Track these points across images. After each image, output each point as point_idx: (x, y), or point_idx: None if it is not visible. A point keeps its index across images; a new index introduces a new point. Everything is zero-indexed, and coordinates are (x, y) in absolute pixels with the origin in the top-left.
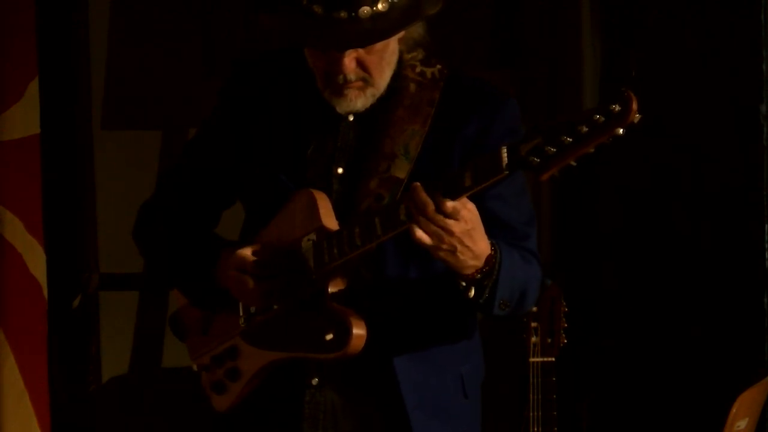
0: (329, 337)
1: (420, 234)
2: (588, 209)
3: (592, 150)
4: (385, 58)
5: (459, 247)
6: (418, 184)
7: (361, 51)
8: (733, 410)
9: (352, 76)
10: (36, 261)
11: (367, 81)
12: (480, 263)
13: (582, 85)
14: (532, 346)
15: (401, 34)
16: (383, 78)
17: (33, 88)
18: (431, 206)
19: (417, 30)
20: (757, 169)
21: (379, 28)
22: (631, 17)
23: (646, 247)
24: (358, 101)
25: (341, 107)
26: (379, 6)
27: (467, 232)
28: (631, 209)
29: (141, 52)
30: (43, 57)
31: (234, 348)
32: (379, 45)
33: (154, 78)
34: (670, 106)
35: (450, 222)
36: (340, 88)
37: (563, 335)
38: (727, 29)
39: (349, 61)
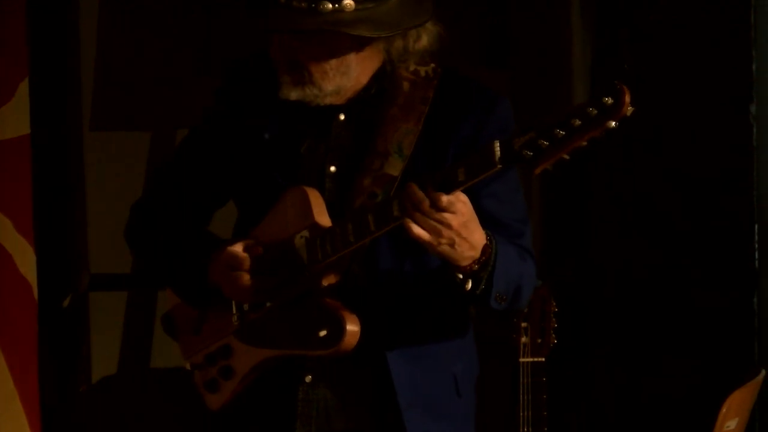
0: (323, 333)
1: (418, 231)
2: (578, 209)
3: (585, 143)
4: (329, 63)
5: (457, 239)
6: (413, 183)
7: (300, 47)
8: (723, 410)
9: (284, 64)
10: (26, 261)
11: (305, 76)
12: (477, 254)
13: (572, 84)
14: (522, 346)
15: (379, 44)
16: (328, 82)
17: (23, 88)
18: (426, 202)
19: (410, 41)
20: (747, 169)
21: (326, 24)
22: (621, 17)
23: (635, 246)
24: (292, 92)
25: (280, 92)
26: (345, 2)
27: (464, 223)
28: (620, 208)
29: (131, 54)
30: (34, 57)
31: (227, 346)
32: (322, 48)
33: (144, 79)
34: (660, 106)
35: (447, 215)
36: (279, 72)
37: (553, 335)
38: (718, 29)
39: (278, 44)
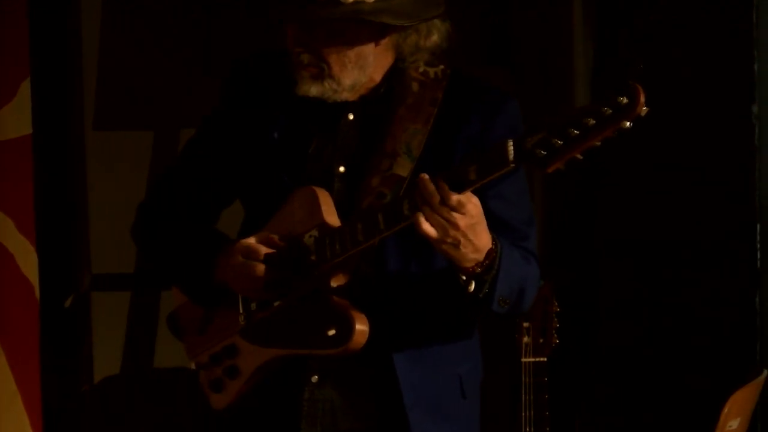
0: (331, 332)
1: (426, 226)
2: (580, 209)
3: (598, 143)
4: (348, 55)
5: (462, 240)
6: (425, 175)
7: (320, 39)
8: (725, 410)
9: (303, 57)
10: (28, 261)
11: (324, 70)
12: (481, 257)
13: (573, 84)
14: (524, 346)
15: (393, 39)
16: (347, 75)
17: (25, 88)
18: (437, 198)
19: (422, 37)
20: (749, 169)
21: (347, 14)
22: (621, 17)
23: (638, 246)
24: (312, 87)
25: (297, 88)
26: None
27: (471, 226)
28: (623, 208)
29: (133, 53)
30: (35, 57)
31: (233, 346)
32: (343, 38)
33: (146, 78)
34: (662, 107)
35: (455, 215)
36: (297, 68)
37: (555, 335)
38: (719, 29)
39: (297, 37)
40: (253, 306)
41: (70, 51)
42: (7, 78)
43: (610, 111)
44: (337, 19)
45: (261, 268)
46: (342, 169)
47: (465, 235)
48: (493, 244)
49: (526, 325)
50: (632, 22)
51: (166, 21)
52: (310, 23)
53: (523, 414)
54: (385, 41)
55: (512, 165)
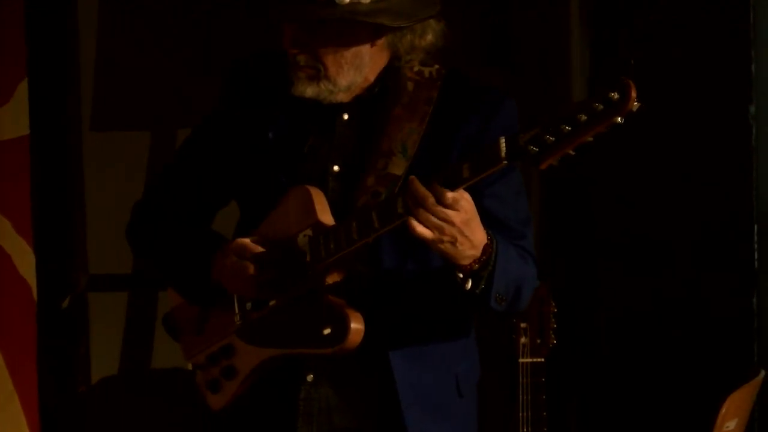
0: (327, 331)
1: (420, 229)
2: (577, 209)
3: (590, 139)
4: (344, 56)
5: (459, 237)
6: (414, 177)
7: (317, 40)
8: (723, 411)
9: (299, 58)
10: (25, 262)
11: (320, 71)
12: (477, 253)
13: (570, 84)
14: (521, 346)
15: (388, 39)
16: (343, 76)
17: (22, 89)
18: (431, 198)
19: (417, 36)
20: (747, 170)
21: (344, 14)
22: (621, 17)
23: (635, 246)
24: (308, 88)
25: (293, 89)
26: None
27: (466, 221)
28: (620, 209)
29: (130, 53)
30: (32, 58)
31: (230, 346)
32: (340, 39)
33: (143, 79)
34: (660, 107)
35: (450, 213)
36: (293, 68)
37: (552, 336)
38: (717, 29)
39: (294, 37)
40: (249, 306)
41: (68, 52)
42: (4, 79)
43: (602, 107)
44: (334, 19)
45: (255, 267)
46: (337, 168)
47: (461, 232)
48: (488, 239)
49: (523, 325)
50: (631, 23)
51: (163, 21)
52: (308, 24)
53: (521, 414)
54: (380, 41)
55: (505, 162)
